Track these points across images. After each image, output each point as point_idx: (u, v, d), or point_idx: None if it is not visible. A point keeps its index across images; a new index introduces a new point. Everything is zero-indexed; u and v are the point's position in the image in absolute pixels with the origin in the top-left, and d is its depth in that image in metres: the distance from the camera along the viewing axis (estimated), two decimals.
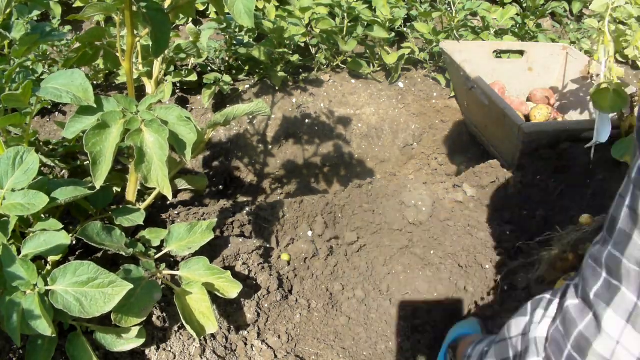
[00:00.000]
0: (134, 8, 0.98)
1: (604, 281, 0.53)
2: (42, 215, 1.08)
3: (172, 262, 1.23)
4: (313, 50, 2.45)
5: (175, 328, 1.13)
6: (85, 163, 1.34)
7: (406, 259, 1.60)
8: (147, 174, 0.98)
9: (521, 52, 2.29)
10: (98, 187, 0.97)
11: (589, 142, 1.62)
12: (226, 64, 2.24)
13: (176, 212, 1.42)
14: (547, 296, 0.65)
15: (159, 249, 1.18)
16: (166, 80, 1.98)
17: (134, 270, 1.02)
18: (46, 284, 0.85)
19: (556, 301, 0.63)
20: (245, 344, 1.19)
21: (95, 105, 1.01)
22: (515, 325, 0.69)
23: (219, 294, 1.10)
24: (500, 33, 2.66)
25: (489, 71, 2.18)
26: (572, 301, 0.58)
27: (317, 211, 1.59)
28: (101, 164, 0.95)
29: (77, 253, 1.21)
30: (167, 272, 1.12)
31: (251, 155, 2.09)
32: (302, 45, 2.40)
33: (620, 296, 0.51)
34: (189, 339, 1.12)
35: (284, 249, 1.47)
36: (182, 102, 2.16)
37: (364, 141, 2.25)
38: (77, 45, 1.20)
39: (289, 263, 1.42)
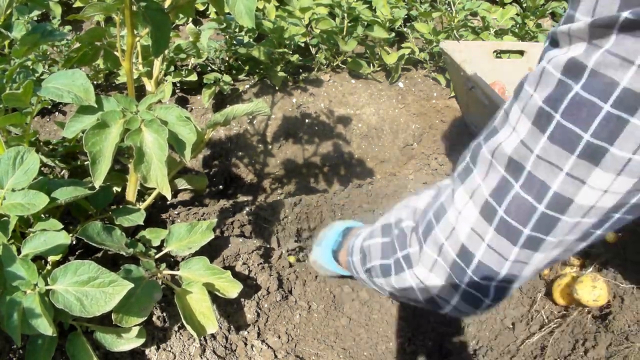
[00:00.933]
0: (134, 8, 0.98)
1: (465, 164, 0.66)
2: (42, 215, 1.08)
3: (172, 262, 1.23)
4: (313, 50, 2.45)
5: (175, 328, 1.13)
6: (85, 163, 1.34)
7: None
8: (147, 173, 0.98)
9: (521, 52, 2.29)
10: (97, 187, 0.97)
11: None
12: (226, 64, 2.24)
13: (176, 212, 1.42)
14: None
15: (159, 249, 1.18)
16: (166, 80, 1.98)
17: (134, 270, 1.02)
18: (46, 284, 0.85)
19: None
20: (245, 344, 1.19)
21: (95, 105, 1.01)
22: (405, 199, 0.83)
23: (219, 294, 1.10)
24: (500, 33, 2.66)
25: (489, 71, 2.18)
26: (446, 180, 0.71)
27: (317, 211, 1.59)
28: (100, 163, 0.95)
29: (77, 253, 1.21)
30: (167, 272, 1.12)
31: (251, 155, 2.09)
32: (302, 45, 2.40)
33: (471, 177, 0.63)
34: (189, 339, 1.12)
35: (285, 249, 1.47)
36: (182, 102, 2.16)
37: (364, 141, 2.25)
38: (77, 45, 1.20)
39: (290, 265, 1.42)
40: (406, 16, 2.68)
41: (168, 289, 1.12)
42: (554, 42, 0.56)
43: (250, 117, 2.14)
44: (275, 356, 1.19)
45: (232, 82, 2.18)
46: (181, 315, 1.02)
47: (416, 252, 0.70)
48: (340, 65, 2.47)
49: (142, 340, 1.01)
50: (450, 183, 0.70)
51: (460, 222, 0.62)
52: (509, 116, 0.59)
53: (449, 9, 2.67)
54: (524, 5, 3.00)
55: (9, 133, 1.24)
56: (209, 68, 2.24)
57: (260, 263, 1.31)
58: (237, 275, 1.26)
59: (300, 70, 2.43)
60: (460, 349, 1.38)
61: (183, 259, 1.19)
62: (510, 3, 2.99)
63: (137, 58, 1.36)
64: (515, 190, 0.56)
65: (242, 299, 1.24)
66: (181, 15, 1.65)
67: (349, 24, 2.29)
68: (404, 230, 0.74)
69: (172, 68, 2.09)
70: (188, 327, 1.01)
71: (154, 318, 1.11)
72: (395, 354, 1.36)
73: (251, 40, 2.26)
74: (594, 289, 1.25)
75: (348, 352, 1.30)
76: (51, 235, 0.94)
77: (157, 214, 1.40)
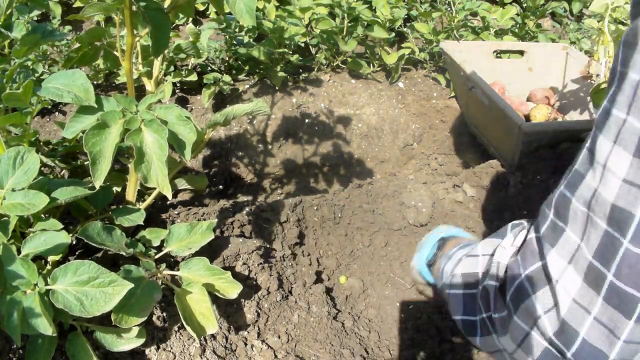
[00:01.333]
0: (134, 8, 0.98)
1: (550, 222, 0.54)
2: (42, 215, 1.08)
3: (172, 262, 1.23)
4: (313, 50, 2.45)
5: (175, 328, 1.13)
6: (85, 163, 1.34)
7: (406, 260, 1.60)
8: (147, 173, 0.98)
9: (521, 52, 2.29)
10: (97, 187, 0.97)
11: None
12: (226, 64, 2.24)
13: (176, 212, 1.42)
14: (525, 224, 0.65)
15: (159, 249, 1.18)
16: (166, 80, 1.98)
17: (134, 270, 1.02)
18: (46, 284, 0.85)
19: (525, 232, 0.63)
20: (245, 344, 1.19)
21: (95, 105, 1.01)
22: (489, 244, 0.69)
23: (219, 294, 1.10)
24: (500, 33, 2.66)
25: (489, 71, 2.18)
26: (534, 235, 0.58)
27: (317, 211, 1.59)
28: (100, 163, 0.95)
29: (77, 253, 1.21)
30: (167, 272, 1.12)
31: (251, 155, 2.09)
32: (302, 45, 2.40)
33: (565, 238, 0.51)
34: (189, 339, 1.12)
35: (289, 249, 1.47)
36: (182, 102, 2.16)
37: (364, 141, 2.25)
38: (77, 45, 1.20)
39: (292, 266, 1.42)
40: (406, 16, 2.68)
41: (168, 289, 1.12)
42: (630, 44, 0.44)
43: (250, 117, 2.14)
44: (275, 356, 1.19)
45: (232, 82, 2.18)
46: (181, 316, 1.02)
47: (503, 319, 0.59)
48: (340, 65, 2.47)
49: (142, 340, 1.01)
50: (532, 234, 0.58)
51: (560, 293, 0.51)
52: (594, 154, 0.48)
53: (449, 9, 2.67)
54: (524, 5, 3.00)
55: (9, 133, 1.24)
56: (209, 68, 2.24)
57: (261, 263, 1.31)
58: (237, 275, 1.26)
59: (300, 70, 2.43)
60: (460, 348, 1.38)
61: (183, 259, 1.19)
62: (510, 3, 2.99)
63: (137, 58, 1.36)
64: (624, 247, 0.45)
65: (242, 299, 1.24)
66: (181, 15, 1.65)
67: (349, 24, 2.29)
68: (487, 289, 0.63)
69: (172, 68, 2.09)
70: (188, 328, 1.01)
71: (154, 318, 1.11)
72: (397, 353, 1.36)
73: (251, 40, 2.26)
74: None
75: (349, 352, 1.30)
76: (51, 235, 0.94)
77: (157, 214, 1.40)
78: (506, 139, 1.82)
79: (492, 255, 0.66)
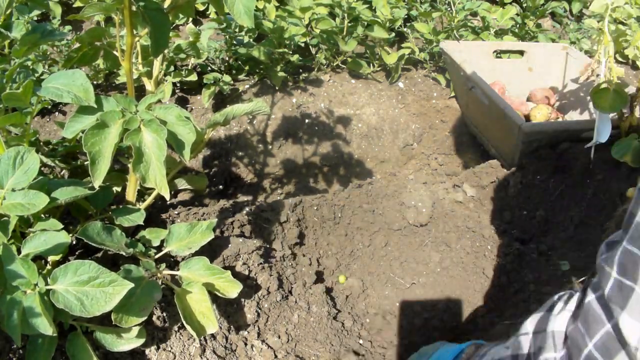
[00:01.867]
0: (133, 8, 0.98)
1: (615, 281, 0.50)
2: (42, 215, 1.08)
3: (172, 262, 1.23)
4: (313, 50, 2.45)
5: (175, 328, 1.13)
6: (85, 163, 1.34)
7: (405, 260, 1.60)
8: (145, 173, 0.98)
9: (521, 52, 2.29)
10: (97, 187, 0.97)
11: (589, 142, 1.63)
12: (226, 64, 2.24)
13: (176, 212, 1.42)
14: (570, 292, 0.63)
15: (159, 249, 1.18)
16: (166, 80, 1.98)
17: (134, 270, 1.02)
18: (47, 283, 0.85)
19: (577, 296, 0.60)
20: (245, 344, 1.19)
21: (95, 105, 1.01)
22: (536, 321, 0.65)
23: (219, 294, 1.10)
24: (500, 33, 2.66)
25: (488, 71, 2.18)
26: (594, 297, 0.54)
27: (317, 211, 1.59)
28: (100, 163, 0.95)
29: (77, 253, 1.21)
30: (167, 272, 1.12)
31: (251, 155, 2.09)
32: (302, 45, 2.40)
33: (635, 298, 0.48)
34: (189, 339, 1.12)
35: (289, 249, 1.47)
36: (182, 102, 2.16)
37: (364, 141, 2.25)
38: (77, 45, 1.20)
39: (292, 266, 1.42)
40: (406, 16, 2.68)
41: (168, 289, 1.12)
42: None
43: (250, 117, 2.14)
44: (275, 356, 1.19)
45: (232, 82, 2.18)
46: (181, 315, 1.02)
47: None
48: (340, 65, 2.47)
49: (142, 340, 1.01)
50: (591, 297, 0.55)
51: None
52: None
53: (449, 9, 2.67)
54: (524, 5, 3.00)
55: (9, 133, 1.24)
56: (209, 68, 2.24)
57: (260, 263, 1.31)
58: (237, 275, 1.26)
59: (300, 70, 2.43)
60: None
61: (183, 259, 1.19)
62: (510, 3, 2.99)
63: (137, 58, 1.36)
64: None
65: (242, 299, 1.24)
66: (181, 15, 1.66)
67: (349, 24, 2.29)
68: None
69: (172, 68, 2.09)
70: (188, 327, 1.01)
71: (154, 318, 1.11)
72: (396, 352, 1.36)
73: (251, 40, 2.26)
74: None
75: (349, 352, 1.30)
76: (51, 235, 0.94)
77: (157, 214, 1.40)
78: (506, 139, 1.82)
79: (543, 330, 0.62)
